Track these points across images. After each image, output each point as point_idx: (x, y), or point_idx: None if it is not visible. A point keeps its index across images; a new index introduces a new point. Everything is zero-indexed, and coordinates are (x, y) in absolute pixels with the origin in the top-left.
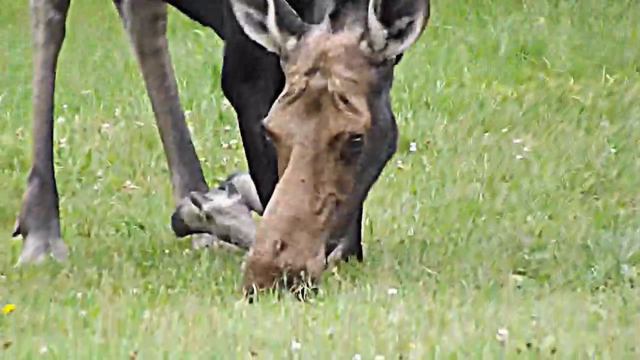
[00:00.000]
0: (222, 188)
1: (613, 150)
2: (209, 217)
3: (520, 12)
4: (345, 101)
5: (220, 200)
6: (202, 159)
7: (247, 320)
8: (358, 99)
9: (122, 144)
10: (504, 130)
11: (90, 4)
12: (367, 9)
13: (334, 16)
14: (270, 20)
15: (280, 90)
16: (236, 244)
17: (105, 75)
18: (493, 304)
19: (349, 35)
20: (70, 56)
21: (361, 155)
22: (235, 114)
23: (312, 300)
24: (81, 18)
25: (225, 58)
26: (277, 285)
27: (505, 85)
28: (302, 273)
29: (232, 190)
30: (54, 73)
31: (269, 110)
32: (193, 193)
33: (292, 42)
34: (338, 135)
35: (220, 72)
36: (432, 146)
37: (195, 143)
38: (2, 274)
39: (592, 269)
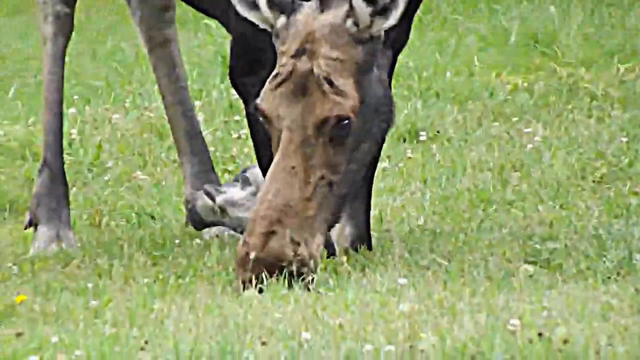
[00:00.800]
0: (236, 180)
1: (624, 139)
2: (222, 209)
3: (530, 1)
4: (331, 83)
5: (234, 192)
6: (212, 148)
7: (257, 310)
8: (345, 80)
9: (133, 135)
10: (515, 119)
11: None
12: None
13: None
14: None
15: None
16: None
17: (116, 66)
18: (504, 293)
19: (335, 13)
20: (81, 47)
21: (352, 136)
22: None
23: (321, 290)
24: (92, 9)
25: (231, 50)
26: (285, 274)
27: (516, 74)
28: (297, 260)
29: (245, 182)
30: (63, 66)
31: None
32: (206, 186)
33: (282, 20)
34: (325, 119)
35: (228, 63)
36: (442, 135)
37: (205, 133)
38: (13, 265)
39: (604, 259)
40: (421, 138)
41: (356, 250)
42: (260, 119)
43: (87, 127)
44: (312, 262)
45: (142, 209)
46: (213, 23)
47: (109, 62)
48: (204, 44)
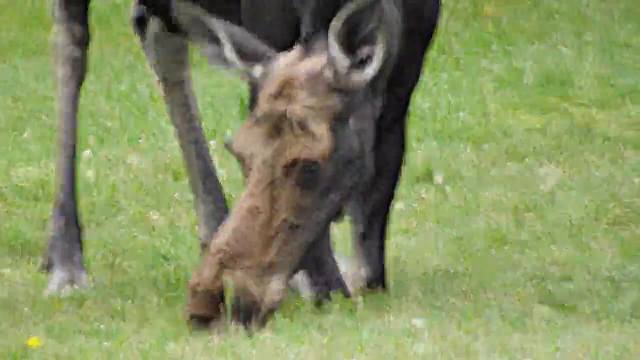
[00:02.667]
0: None
1: (638, 180)
2: None
3: (544, 42)
4: (303, 127)
5: None
6: (227, 189)
7: (271, 351)
8: (318, 126)
9: (147, 175)
10: (529, 160)
11: (116, 35)
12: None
13: (306, 41)
14: (228, 55)
15: None
16: None
17: (131, 106)
18: (519, 334)
19: (314, 61)
20: (96, 87)
21: (321, 182)
22: None
23: (336, 331)
24: (107, 49)
25: (250, 92)
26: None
27: (530, 114)
28: (241, 299)
29: None
30: (77, 109)
31: None
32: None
33: (258, 69)
34: (294, 161)
35: (248, 100)
36: (456, 176)
37: (220, 173)
38: (26, 306)
39: (619, 300)
40: (435, 179)
41: (371, 290)
42: (234, 156)
43: (102, 167)
44: (262, 304)
45: (156, 250)
46: None
47: (123, 102)
48: (219, 84)
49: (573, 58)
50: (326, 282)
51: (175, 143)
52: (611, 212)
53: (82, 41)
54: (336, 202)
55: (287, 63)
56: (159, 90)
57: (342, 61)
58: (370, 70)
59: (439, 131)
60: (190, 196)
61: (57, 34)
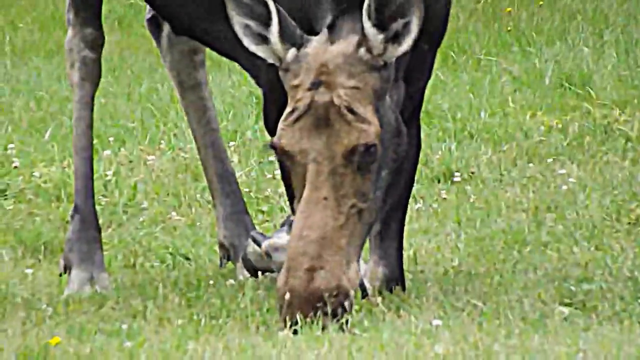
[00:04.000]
0: (284, 225)
1: None
2: (268, 255)
3: (564, 42)
4: (353, 112)
5: (279, 237)
6: (246, 189)
7: (292, 351)
8: (365, 108)
9: (168, 176)
10: (549, 160)
11: (136, 37)
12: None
13: (331, 28)
14: (274, 31)
15: None
16: None
17: (151, 108)
18: (540, 336)
19: (346, 43)
20: (117, 89)
21: (376, 163)
22: None
23: (356, 331)
24: (127, 51)
25: (263, 95)
26: (318, 313)
27: (550, 115)
28: (338, 294)
29: (291, 226)
30: (92, 111)
31: None
32: (253, 232)
33: (292, 53)
34: (353, 148)
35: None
36: (476, 176)
37: (239, 174)
38: (48, 307)
39: None
40: (455, 179)
41: (390, 291)
42: (280, 156)
43: (122, 168)
44: (353, 293)
45: (177, 250)
46: None
47: (144, 104)
48: (238, 85)
49: (594, 59)
50: None
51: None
52: (632, 213)
53: (96, 44)
54: (386, 178)
55: (317, 50)
56: (176, 92)
57: (377, 36)
58: (409, 41)
59: (459, 131)
60: (210, 197)
61: (71, 38)
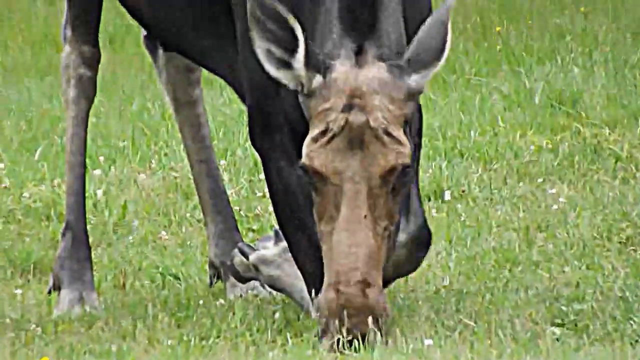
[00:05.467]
0: (276, 232)
1: None
2: (255, 267)
3: (554, 62)
4: (389, 134)
5: (265, 250)
6: (236, 207)
7: None
8: (398, 130)
9: (158, 195)
10: (540, 179)
11: (128, 55)
12: (387, 44)
13: (358, 52)
14: (300, 58)
15: (296, 142)
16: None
17: (142, 127)
18: (531, 356)
19: (377, 69)
20: (108, 107)
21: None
22: None
23: (347, 351)
24: (119, 69)
25: (248, 113)
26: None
27: (540, 134)
28: (384, 311)
29: (279, 237)
30: (86, 129)
31: (285, 162)
32: (240, 244)
33: (318, 79)
34: (391, 168)
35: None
36: (466, 195)
37: (230, 192)
38: (37, 326)
39: (631, 321)
40: (446, 197)
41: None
42: (310, 176)
43: (113, 187)
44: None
45: (167, 270)
46: None
47: (135, 122)
48: (228, 103)
49: (584, 78)
50: None
51: (186, 163)
52: (623, 232)
53: (93, 62)
54: (406, 198)
55: (347, 75)
56: (170, 108)
57: (407, 70)
58: (440, 64)
59: (449, 150)
60: (201, 215)
61: (68, 55)
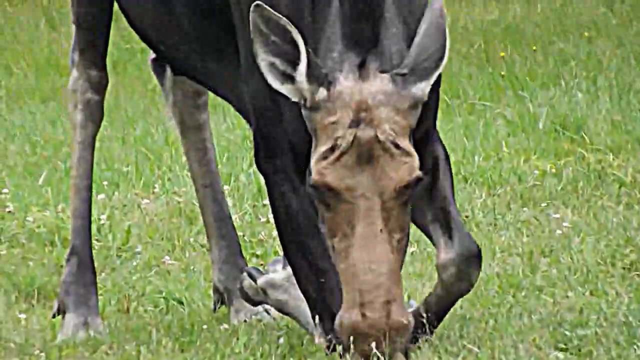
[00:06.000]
0: (281, 260)
1: None
2: (264, 291)
3: (558, 87)
4: (398, 146)
5: (274, 274)
6: (240, 233)
7: None
8: (405, 141)
9: (162, 220)
10: (543, 204)
11: (131, 79)
12: (388, 56)
13: (361, 66)
14: (302, 71)
15: (299, 167)
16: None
17: (145, 151)
18: None
19: (380, 81)
20: (111, 132)
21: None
22: None
23: None
24: (122, 94)
25: (254, 136)
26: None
27: (544, 159)
28: (408, 327)
29: (287, 262)
30: (93, 153)
31: (289, 187)
32: (248, 268)
33: (322, 93)
34: (407, 183)
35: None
36: (470, 220)
37: (233, 217)
38: (41, 352)
39: (635, 347)
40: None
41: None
42: (321, 193)
43: (116, 212)
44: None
45: (170, 294)
46: None
47: (138, 147)
48: (232, 128)
49: (588, 103)
50: None
51: (190, 187)
52: (627, 258)
53: (100, 86)
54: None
55: (351, 88)
56: (176, 132)
57: (411, 79)
58: (441, 67)
59: (453, 175)
60: (205, 240)
61: (76, 80)
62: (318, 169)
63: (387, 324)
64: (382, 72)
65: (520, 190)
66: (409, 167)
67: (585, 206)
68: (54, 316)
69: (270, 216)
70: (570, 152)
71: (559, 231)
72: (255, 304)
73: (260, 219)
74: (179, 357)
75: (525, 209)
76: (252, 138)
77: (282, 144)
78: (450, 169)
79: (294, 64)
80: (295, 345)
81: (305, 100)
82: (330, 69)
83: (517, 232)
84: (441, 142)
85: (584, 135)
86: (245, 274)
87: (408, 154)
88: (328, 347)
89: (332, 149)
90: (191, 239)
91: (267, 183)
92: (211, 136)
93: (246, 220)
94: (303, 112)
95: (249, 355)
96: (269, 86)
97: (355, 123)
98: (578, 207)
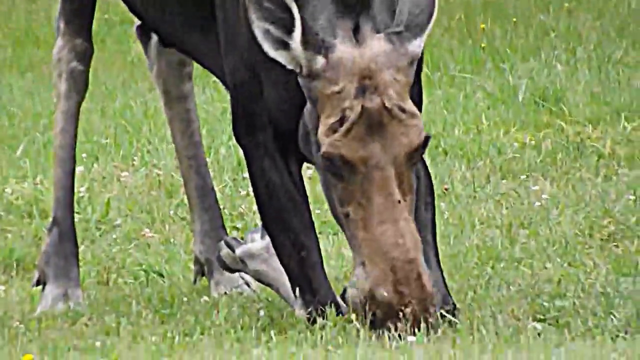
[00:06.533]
0: (259, 230)
1: (632, 197)
2: (242, 261)
3: (537, 59)
4: (403, 110)
5: (252, 244)
6: (220, 205)
7: None
8: (409, 102)
9: (141, 192)
10: (522, 177)
11: (110, 52)
12: (380, 16)
13: (356, 30)
14: (296, 38)
15: (279, 140)
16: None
17: (125, 124)
18: (513, 351)
19: (377, 42)
20: (90, 105)
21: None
22: None
23: (330, 348)
24: (101, 67)
25: (232, 110)
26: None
27: (523, 132)
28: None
29: (266, 232)
30: (76, 123)
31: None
32: (227, 237)
33: (320, 60)
34: (416, 148)
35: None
36: (450, 192)
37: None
38: (20, 324)
39: (612, 317)
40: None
41: (454, 315)
42: (335, 165)
43: (95, 184)
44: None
45: (150, 267)
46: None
47: (117, 120)
48: (211, 100)
49: (567, 75)
50: (320, 300)
51: (170, 160)
52: (605, 229)
53: (85, 56)
54: None
55: (351, 54)
56: (160, 102)
57: (407, 35)
58: (428, 32)
59: (433, 148)
60: (185, 213)
61: (61, 49)
62: (330, 141)
63: (421, 296)
64: (378, 31)
65: (500, 163)
66: (417, 129)
67: (564, 178)
68: (33, 286)
69: (251, 189)
70: (550, 124)
71: (537, 203)
72: (233, 272)
73: (240, 192)
74: (159, 329)
75: (504, 181)
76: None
77: (263, 119)
78: (433, 199)
79: (289, 30)
80: (276, 318)
81: (301, 68)
82: (326, 35)
83: (496, 204)
84: (426, 166)
85: (563, 107)
86: (223, 243)
87: (413, 115)
88: (308, 320)
89: (340, 121)
90: (171, 212)
91: (246, 157)
92: (195, 107)
93: (226, 193)
94: (300, 81)
95: (229, 328)
96: (249, 61)
97: (361, 91)
98: (557, 179)
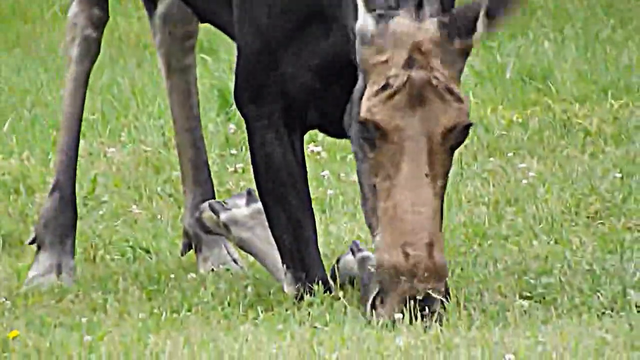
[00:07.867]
0: (249, 192)
1: (618, 175)
2: (226, 226)
3: (525, 37)
4: (451, 92)
5: (237, 210)
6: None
7: (253, 345)
8: (458, 87)
9: (128, 169)
10: (510, 154)
11: None
12: (439, 6)
13: (419, 7)
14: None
15: (288, 114)
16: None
17: (112, 100)
18: (499, 328)
19: (434, 25)
20: None
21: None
22: (241, 138)
23: (318, 325)
24: None
25: (235, 75)
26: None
27: (511, 109)
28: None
29: (251, 198)
30: (86, 88)
31: (273, 134)
32: (212, 201)
33: (379, 26)
34: (453, 126)
35: (233, 88)
36: None
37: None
38: (6, 300)
39: (598, 294)
40: None
41: (352, 285)
42: (369, 131)
43: (82, 160)
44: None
45: (137, 243)
46: (209, 57)
47: (105, 95)
48: (200, 77)
49: (554, 53)
50: (308, 277)
51: (156, 137)
52: (591, 206)
53: (100, 23)
54: None
55: (407, 27)
56: (161, 73)
57: (464, 27)
58: (482, 25)
59: None
60: (172, 190)
61: (77, 14)
62: (368, 106)
63: (429, 263)
64: (436, 15)
65: (487, 140)
66: (459, 111)
67: (550, 156)
68: (29, 243)
69: (238, 165)
70: (537, 102)
71: (524, 181)
72: (212, 234)
73: (228, 169)
74: (146, 306)
75: (491, 158)
76: (220, 86)
77: (273, 90)
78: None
79: None
80: (263, 295)
81: (352, 30)
82: (389, 6)
83: (484, 181)
84: None
85: (550, 85)
86: (206, 205)
87: (460, 99)
88: (296, 297)
89: (383, 88)
90: (158, 188)
91: (247, 128)
92: (196, 80)
93: (214, 170)
94: (355, 41)
95: (216, 304)
96: (267, 35)
97: (409, 64)
98: (544, 157)
